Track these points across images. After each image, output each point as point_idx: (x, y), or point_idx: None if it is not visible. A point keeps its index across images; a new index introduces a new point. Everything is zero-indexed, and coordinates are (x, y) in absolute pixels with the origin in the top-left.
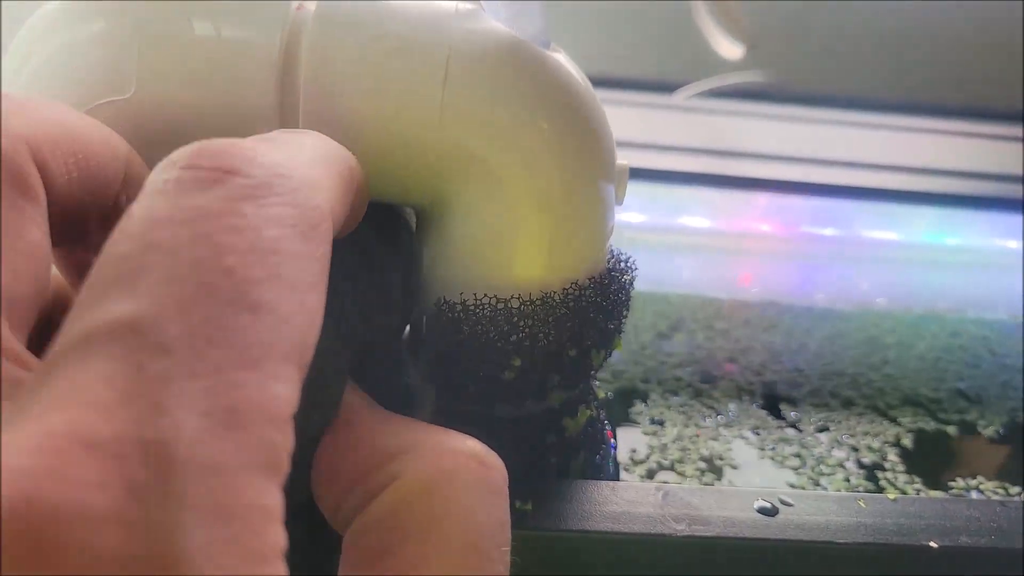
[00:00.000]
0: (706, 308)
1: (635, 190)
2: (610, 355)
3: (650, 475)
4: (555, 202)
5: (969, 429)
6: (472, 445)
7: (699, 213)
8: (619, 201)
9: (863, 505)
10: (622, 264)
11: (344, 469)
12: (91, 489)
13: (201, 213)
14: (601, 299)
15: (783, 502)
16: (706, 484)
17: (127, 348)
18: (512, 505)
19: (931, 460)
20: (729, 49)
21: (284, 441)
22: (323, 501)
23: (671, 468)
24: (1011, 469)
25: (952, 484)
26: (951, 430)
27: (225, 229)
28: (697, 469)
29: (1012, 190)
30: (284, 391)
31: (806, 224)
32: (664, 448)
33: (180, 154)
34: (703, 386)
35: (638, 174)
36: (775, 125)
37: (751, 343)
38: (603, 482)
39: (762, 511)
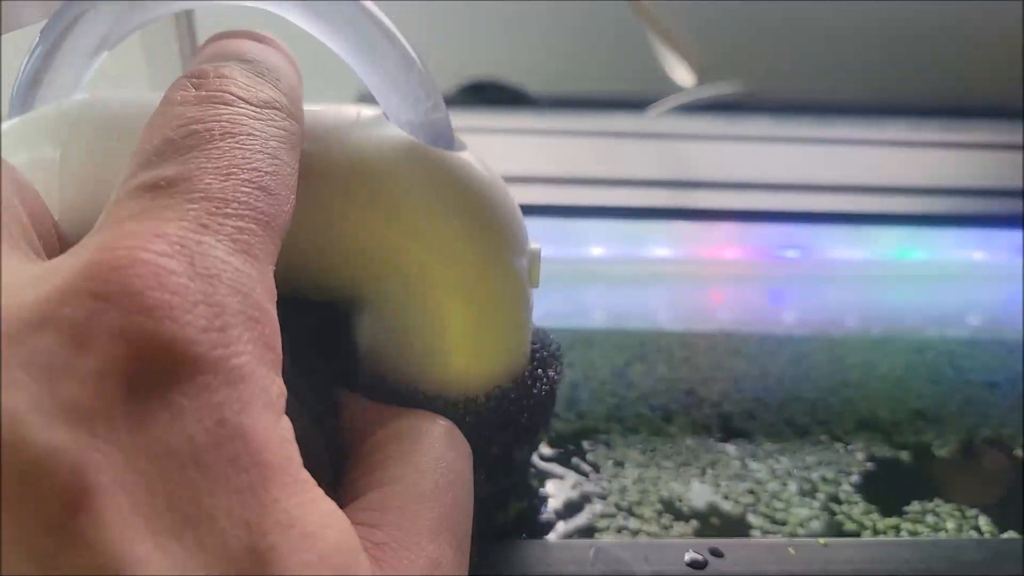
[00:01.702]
0: (668, 339)
1: (595, 226)
2: (535, 450)
3: (608, 519)
4: (468, 296)
5: (925, 451)
6: (441, 418)
7: (660, 243)
8: (534, 284)
9: (793, 552)
10: (548, 353)
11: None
12: (162, 254)
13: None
14: (525, 399)
15: (714, 552)
16: (663, 527)
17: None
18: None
19: (888, 487)
20: (683, 76)
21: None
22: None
23: (629, 511)
24: (968, 490)
25: (908, 509)
26: (907, 454)
27: (239, 139)
28: (655, 511)
29: (980, 204)
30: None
31: (770, 247)
32: (624, 490)
33: (188, 71)
34: (663, 424)
35: (598, 212)
36: (737, 148)
37: (713, 373)
38: (536, 542)
39: (692, 564)
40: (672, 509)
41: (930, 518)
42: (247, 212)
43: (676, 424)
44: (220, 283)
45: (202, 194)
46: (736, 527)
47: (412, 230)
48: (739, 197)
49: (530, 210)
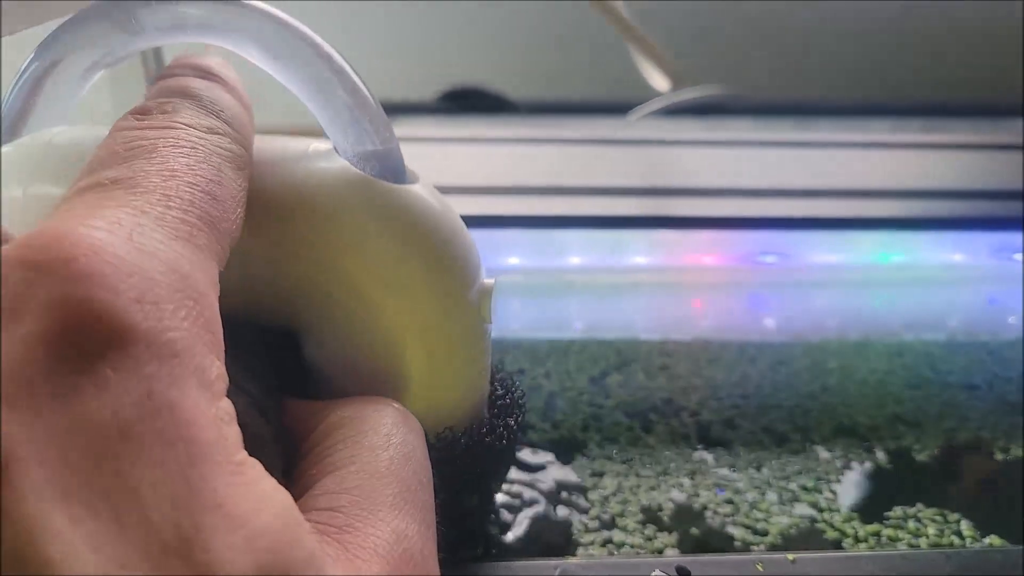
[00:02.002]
0: (647, 348)
1: (573, 235)
2: (489, 500)
3: (591, 533)
4: (414, 331)
5: (905, 456)
6: (388, 400)
7: (639, 251)
8: (486, 320)
9: (760, 569)
10: (510, 400)
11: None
12: (99, 228)
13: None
14: (477, 446)
15: (680, 571)
16: (646, 538)
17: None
18: None
19: (868, 493)
20: (658, 81)
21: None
22: None
23: (612, 524)
24: (949, 494)
25: (889, 515)
26: (886, 458)
27: (183, 150)
28: (638, 522)
29: (958, 206)
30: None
31: (749, 253)
32: (605, 501)
33: (133, 108)
34: (642, 433)
35: (576, 222)
36: (717, 153)
37: (691, 381)
38: (500, 563)
39: None
40: (654, 519)
41: (912, 523)
42: (190, 208)
43: (654, 434)
44: (157, 259)
45: (144, 189)
46: (717, 538)
47: (357, 264)
48: (718, 204)
49: (509, 221)
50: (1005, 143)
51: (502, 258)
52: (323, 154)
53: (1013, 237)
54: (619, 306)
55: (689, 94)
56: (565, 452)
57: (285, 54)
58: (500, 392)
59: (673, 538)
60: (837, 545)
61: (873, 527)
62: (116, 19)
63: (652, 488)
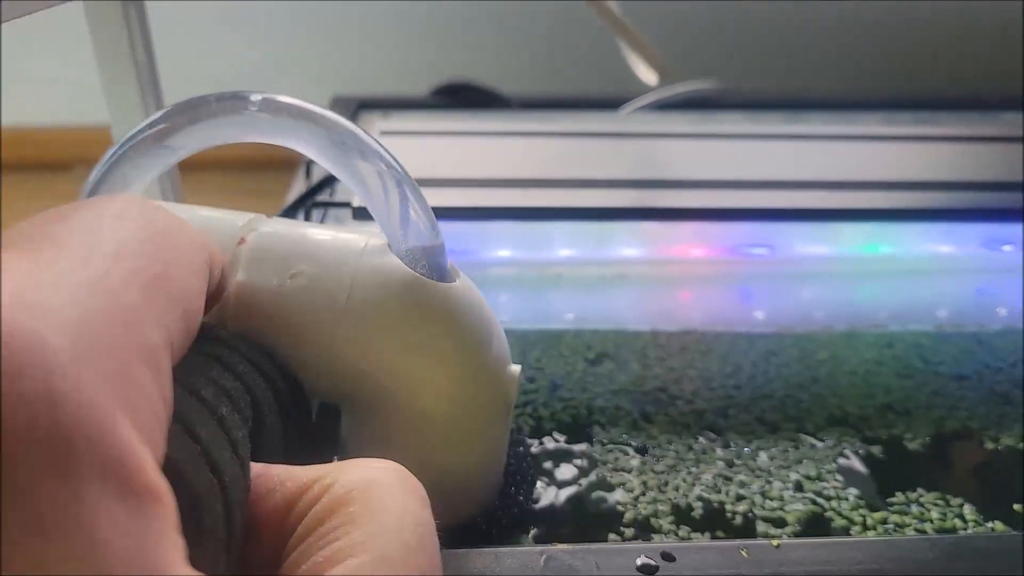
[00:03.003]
0: (638, 338)
1: (562, 227)
2: None
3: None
4: (450, 420)
5: (897, 444)
6: (388, 462)
7: (627, 243)
8: (512, 403)
9: (745, 555)
10: (521, 470)
11: (275, 506)
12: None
13: None
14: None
15: (665, 556)
16: (681, 536)
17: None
18: None
19: (866, 482)
20: (647, 75)
21: None
22: (262, 551)
23: (637, 513)
24: (945, 481)
25: (893, 501)
26: (880, 448)
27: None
28: (671, 523)
29: (945, 198)
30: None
31: (737, 245)
32: (614, 491)
33: None
34: (642, 422)
35: (565, 214)
36: (706, 145)
37: (684, 372)
38: (486, 550)
39: (643, 569)
40: (685, 519)
41: (915, 508)
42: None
43: (655, 423)
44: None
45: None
46: (746, 534)
47: (402, 355)
48: (707, 196)
49: (498, 212)
50: (996, 135)
51: (491, 251)
52: (377, 250)
53: (1001, 228)
54: (609, 298)
55: (681, 88)
56: (566, 443)
57: (346, 159)
58: (513, 463)
59: (706, 537)
60: (847, 533)
61: (880, 514)
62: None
63: (673, 482)
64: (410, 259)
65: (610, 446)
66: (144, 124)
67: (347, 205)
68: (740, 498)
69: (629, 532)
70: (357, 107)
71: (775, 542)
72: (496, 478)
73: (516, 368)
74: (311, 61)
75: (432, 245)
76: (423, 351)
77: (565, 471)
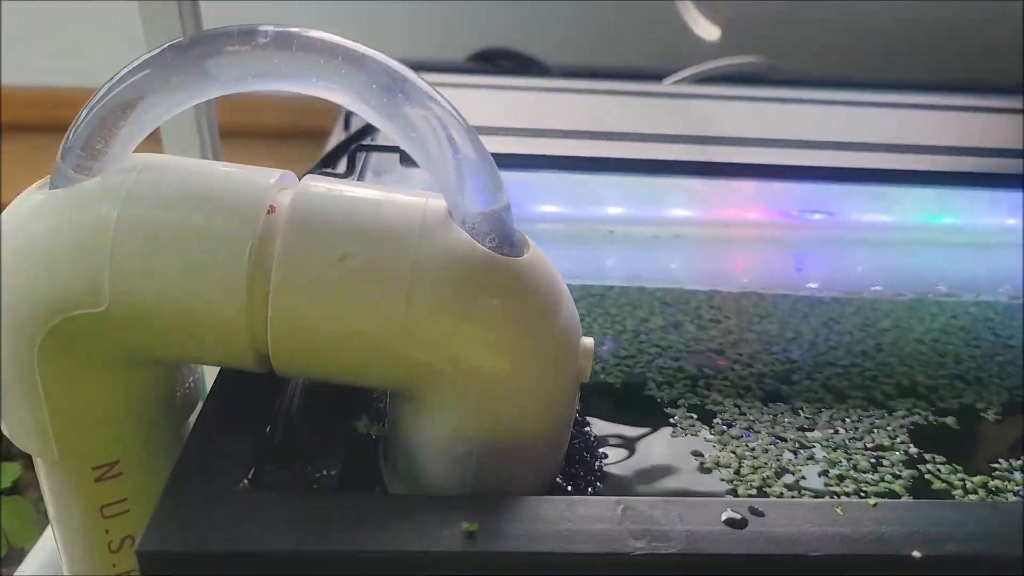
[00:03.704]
0: (692, 298)
1: (616, 182)
2: None
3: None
4: (525, 402)
5: (972, 413)
6: None
7: (682, 204)
8: (583, 379)
9: (840, 513)
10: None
11: None
12: None
13: None
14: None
15: (754, 511)
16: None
17: None
18: (458, 525)
19: (953, 448)
20: (707, 30)
21: None
22: None
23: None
24: None
25: (996, 467)
26: (956, 418)
27: None
28: (761, 480)
29: (1010, 165)
30: None
31: (795, 210)
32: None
33: None
34: (702, 389)
35: (620, 165)
36: (761, 107)
37: (743, 335)
38: (558, 498)
39: (730, 523)
40: (756, 477)
41: (1018, 475)
42: None
43: (714, 386)
44: None
45: None
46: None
47: (474, 337)
48: (763, 153)
49: (548, 161)
50: None
51: (539, 205)
52: (440, 223)
53: None
54: (661, 257)
55: (724, 63)
56: (631, 406)
57: (406, 119)
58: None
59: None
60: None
61: (980, 478)
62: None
63: (746, 446)
64: (475, 230)
65: (672, 409)
66: (180, 39)
67: (394, 150)
68: (820, 463)
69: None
70: None
71: (872, 501)
72: (561, 455)
73: (588, 341)
74: (352, 20)
75: (497, 208)
76: (494, 334)
77: (631, 436)
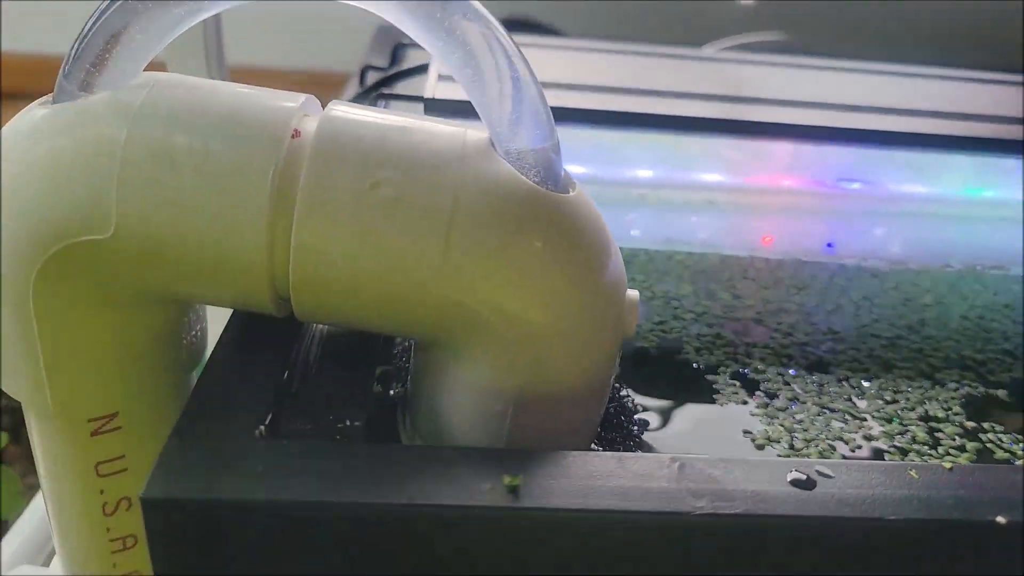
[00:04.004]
0: (726, 264)
1: (646, 140)
2: None
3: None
4: (567, 349)
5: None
6: None
7: (715, 168)
8: (628, 335)
9: (915, 476)
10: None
11: None
12: None
13: None
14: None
15: (821, 474)
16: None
17: None
18: (499, 479)
19: (1009, 420)
20: None
21: None
22: None
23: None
24: None
25: None
26: (1007, 392)
27: None
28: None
29: None
30: None
31: (830, 179)
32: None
33: None
34: (743, 356)
35: (652, 121)
36: (797, 73)
37: (783, 304)
38: (608, 454)
39: (796, 484)
40: (809, 446)
41: None
42: None
43: (754, 354)
44: None
45: None
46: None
47: (507, 290)
48: (798, 113)
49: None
50: None
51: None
52: (481, 152)
53: None
54: (696, 223)
55: (748, 39)
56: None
57: (440, 17)
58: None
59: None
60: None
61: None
62: None
63: (794, 415)
64: (520, 163)
65: (713, 376)
66: None
67: (417, 99)
68: (878, 437)
69: None
70: (397, 44)
71: (948, 464)
72: (599, 416)
73: (634, 294)
74: (344, 16)
75: (546, 146)
76: (538, 275)
77: (670, 403)
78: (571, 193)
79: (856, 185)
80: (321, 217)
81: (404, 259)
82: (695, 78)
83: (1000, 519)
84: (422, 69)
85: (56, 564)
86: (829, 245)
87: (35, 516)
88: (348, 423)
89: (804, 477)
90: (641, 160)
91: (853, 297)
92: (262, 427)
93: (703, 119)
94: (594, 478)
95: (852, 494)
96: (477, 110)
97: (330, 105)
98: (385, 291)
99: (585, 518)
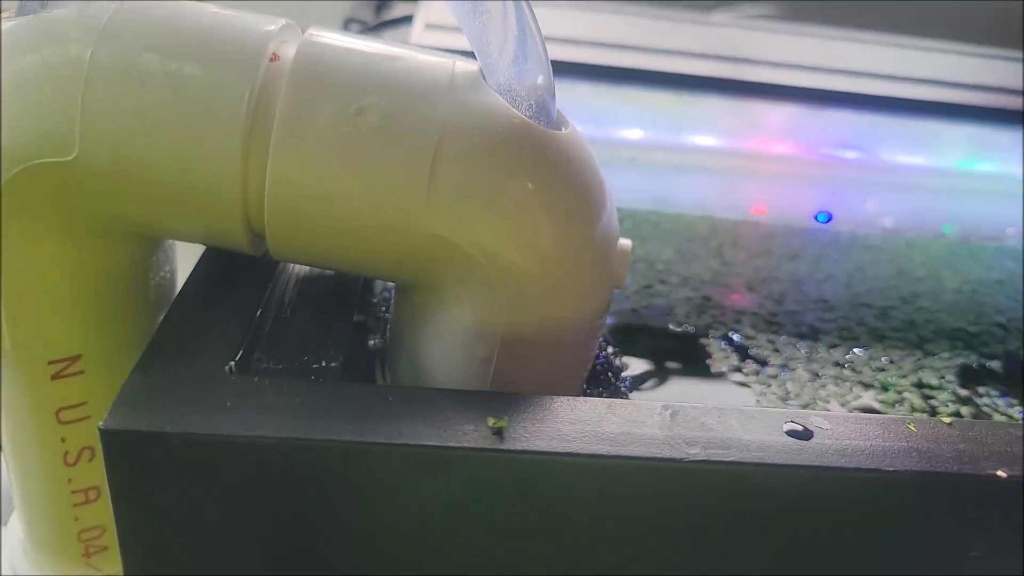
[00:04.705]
0: (714, 227)
1: (637, 98)
2: None
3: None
4: (542, 303)
5: (1017, 360)
6: None
7: (707, 131)
8: (620, 285)
9: (913, 429)
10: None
11: None
12: None
13: None
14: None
15: (818, 425)
16: None
17: None
18: (483, 421)
19: (1016, 387)
20: None
21: None
22: None
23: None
24: None
25: None
26: (1000, 363)
27: None
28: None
29: None
30: None
31: (825, 147)
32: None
33: None
34: (734, 324)
35: (643, 77)
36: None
37: (773, 273)
38: (596, 400)
39: (793, 434)
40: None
41: None
42: None
43: (746, 321)
44: None
45: None
46: None
47: (502, 221)
48: (797, 76)
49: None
50: None
51: None
52: (472, 83)
53: None
54: (686, 185)
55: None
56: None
57: None
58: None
59: None
60: None
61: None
62: None
63: (786, 378)
64: (511, 97)
65: (704, 339)
66: None
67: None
68: (873, 401)
69: None
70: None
71: (947, 419)
72: (586, 369)
73: (627, 243)
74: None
75: (539, 84)
76: (529, 212)
77: (656, 362)
78: (566, 131)
79: (852, 154)
80: (300, 145)
81: (387, 191)
82: (696, 39)
83: (1001, 472)
84: (406, 20)
85: (13, 521)
86: (825, 212)
87: None
88: (324, 364)
89: (800, 428)
90: (632, 122)
91: (846, 268)
92: (232, 363)
93: (699, 77)
94: (583, 423)
95: (850, 445)
96: (470, 40)
97: (310, 31)
98: (366, 225)
99: (573, 463)
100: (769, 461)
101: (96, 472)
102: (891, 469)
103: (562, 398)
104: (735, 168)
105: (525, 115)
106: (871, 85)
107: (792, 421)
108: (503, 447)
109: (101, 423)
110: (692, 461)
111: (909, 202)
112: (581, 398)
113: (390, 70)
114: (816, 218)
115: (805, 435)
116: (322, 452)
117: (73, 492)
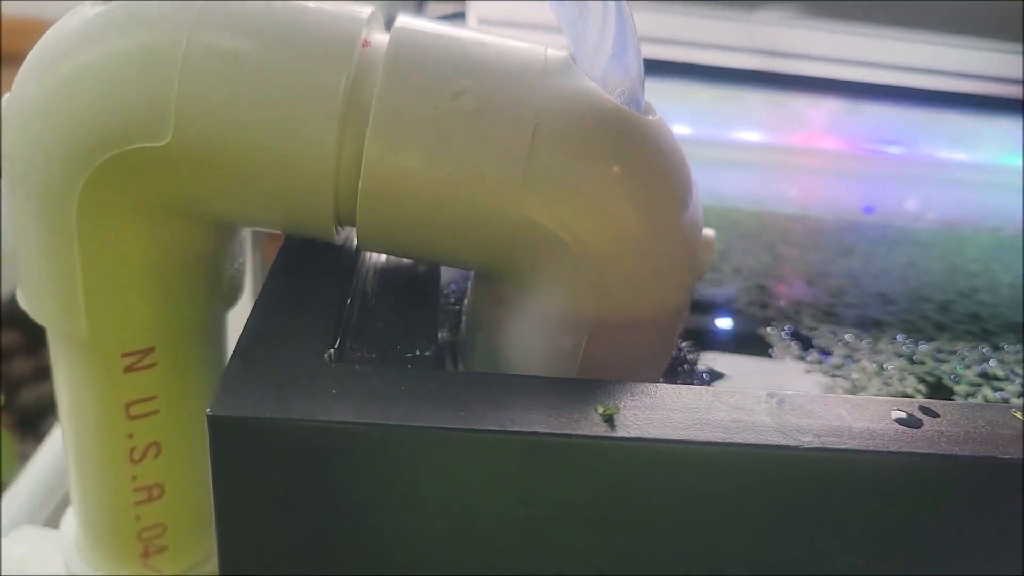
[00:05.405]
0: (764, 221)
1: (680, 93)
2: None
3: None
4: (635, 293)
5: None
6: None
7: (752, 127)
8: (699, 275)
9: (1019, 416)
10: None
11: None
12: None
13: None
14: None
15: (926, 411)
16: None
17: None
18: (592, 409)
19: None
20: None
21: None
22: None
23: None
24: None
25: None
26: None
27: None
28: None
29: None
30: None
31: (870, 142)
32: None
33: None
34: (794, 314)
35: (689, 70)
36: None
37: (825, 267)
38: (700, 387)
39: (902, 422)
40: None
41: None
42: None
43: (804, 313)
44: None
45: None
46: None
47: (589, 211)
48: (839, 69)
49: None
50: None
51: None
52: (565, 68)
53: None
54: (733, 181)
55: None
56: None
57: None
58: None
59: None
60: None
61: None
62: None
63: (852, 371)
64: (604, 84)
65: (766, 332)
66: None
67: None
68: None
69: None
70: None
71: (1018, 414)
72: (666, 360)
73: (710, 233)
74: None
75: (632, 76)
76: (619, 196)
77: (721, 350)
78: (655, 118)
79: (897, 149)
80: (396, 128)
81: (483, 174)
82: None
83: None
84: (457, 17)
85: (65, 523)
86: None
87: (34, 476)
88: (418, 352)
89: (906, 415)
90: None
91: (899, 261)
92: (331, 350)
93: (743, 71)
94: (691, 410)
95: (960, 432)
96: (566, 31)
97: (400, 17)
98: (459, 210)
99: (688, 451)
100: (883, 449)
101: (161, 469)
102: (1007, 456)
103: (667, 386)
104: (778, 164)
105: (619, 101)
106: (916, 79)
107: (899, 408)
108: (616, 435)
109: (208, 409)
110: (807, 448)
111: (952, 196)
112: (684, 386)
113: (483, 55)
114: (864, 211)
115: (915, 423)
116: (432, 440)
117: (136, 490)
